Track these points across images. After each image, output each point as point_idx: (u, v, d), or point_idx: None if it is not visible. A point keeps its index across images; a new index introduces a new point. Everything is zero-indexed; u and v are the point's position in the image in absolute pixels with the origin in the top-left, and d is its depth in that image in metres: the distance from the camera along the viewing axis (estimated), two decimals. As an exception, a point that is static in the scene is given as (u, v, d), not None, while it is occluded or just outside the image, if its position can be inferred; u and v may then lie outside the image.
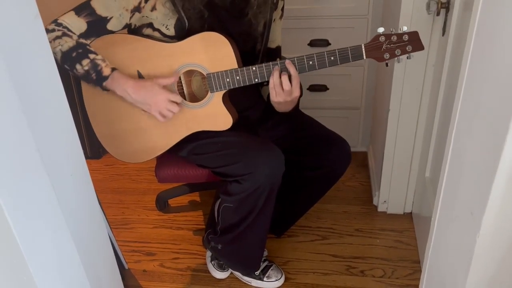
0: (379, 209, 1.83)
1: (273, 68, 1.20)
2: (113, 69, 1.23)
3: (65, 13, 1.23)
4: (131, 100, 1.25)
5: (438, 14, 1.33)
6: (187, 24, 1.22)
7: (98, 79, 1.22)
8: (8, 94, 0.63)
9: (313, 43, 1.92)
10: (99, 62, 1.21)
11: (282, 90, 1.20)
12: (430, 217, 0.98)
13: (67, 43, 1.20)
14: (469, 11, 1.11)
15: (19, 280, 0.69)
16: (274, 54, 1.43)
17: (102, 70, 1.21)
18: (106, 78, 1.22)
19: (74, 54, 1.20)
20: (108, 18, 1.22)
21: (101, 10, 1.21)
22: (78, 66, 1.21)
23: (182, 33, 1.24)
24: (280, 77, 1.19)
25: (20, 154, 0.67)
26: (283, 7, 1.41)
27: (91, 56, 1.21)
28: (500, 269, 0.73)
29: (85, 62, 1.20)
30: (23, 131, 0.67)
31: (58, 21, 1.21)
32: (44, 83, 0.76)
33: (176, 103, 1.25)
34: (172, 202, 1.96)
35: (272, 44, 1.43)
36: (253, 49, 1.35)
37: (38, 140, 0.69)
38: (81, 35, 1.23)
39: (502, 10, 0.64)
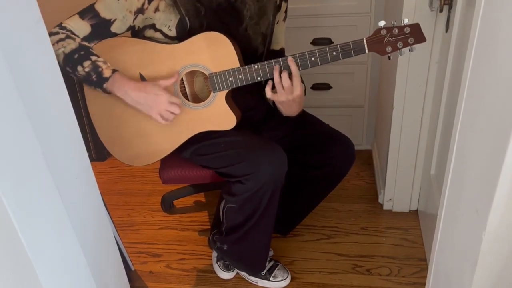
0: (385, 207, 1.82)
1: (275, 66, 1.20)
2: (114, 71, 1.23)
3: (69, 17, 1.24)
4: (131, 102, 1.25)
5: (441, 10, 1.32)
6: (188, 23, 1.22)
7: (98, 81, 1.22)
8: (12, 98, 0.64)
9: (315, 42, 1.92)
10: (100, 63, 1.22)
11: (283, 89, 1.20)
12: (436, 214, 0.97)
13: (70, 45, 1.21)
14: (472, 7, 1.10)
15: (25, 283, 0.69)
16: (277, 56, 1.43)
17: (102, 72, 1.21)
18: (106, 79, 1.22)
19: (76, 56, 1.21)
20: (111, 20, 1.22)
21: (104, 13, 1.22)
22: (79, 68, 1.21)
23: (183, 34, 1.24)
24: (280, 76, 1.19)
25: (25, 158, 0.67)
26: (286, 9, 1.40)
27: (93, 58, 1.22)
28: (507, 266, 0.72)
29: (87, 63, 1.21)
30: (28, 135, 0.67)
31: (63, 24, 1.23)
32: (48, 87, 0.77)
33: (177, 104, 1.25)
34: (177, 203, 1.97)
35: (276, 46, 1.43)
36: (255, 52, 1.35)
37: (42, 143, 0.70)
38: (85, 38, 1.23)
39: (505, 6, 0.63)
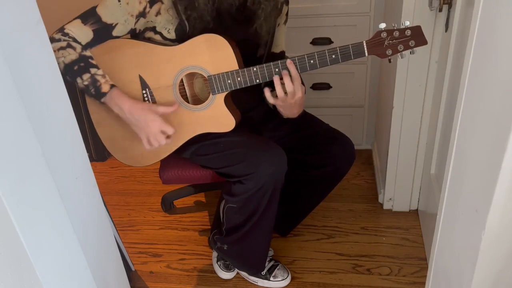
0: (385, 207, 1.82)
1: (274, 69, 1.20)
2: (112, 86, 1.23)
3: (71, 21, 1.22)
4: (125, 119, 1.25)
5: (440, 10, 1.32)
6: (188, 29, 1.22)
7: (96, 95, 1.23)
8: (12, 98, 0.64)
9: (315, 42, 1.92)
10: (98, 78, 1.22)
11: (286, 94, 1.20)
12: (436, 214, 0.97)
13: (70, 55, 1.20)
14: (472, 6, 1.10)
15: (25, 283, 0.69)
16: (277, 59, 1.43)
17: (101, 87, 1.21)
18: (104, 94, 1.22)
19: (76, 67, 1.20)
20: (113, 25, 1.22)
21: (106, 17, 1.21)
22: (79, 80, 1.21)
23: (183, 37, 1.23)
24: (281, 81, 1.19)
25: (26, 159, 0.67)
26: (287, 12, 1.40)
27: (92, 70, 1.22)
28: (506, 266, 0.72)
29: (86, 76, 1.21)
30: (28, 136, 0.67)
31: (65, 30, 1.21)
32: (48, 88, 0.77)
33: (167, 135, 1.24)
34: (178, 203, 1.97)
35: (276, 49, 1.43)
36: (256, 53, 1.34)
37: (43, 144, 0.70)
38: (88, 44, 1.23)
39: (503, 5, 0.63)
